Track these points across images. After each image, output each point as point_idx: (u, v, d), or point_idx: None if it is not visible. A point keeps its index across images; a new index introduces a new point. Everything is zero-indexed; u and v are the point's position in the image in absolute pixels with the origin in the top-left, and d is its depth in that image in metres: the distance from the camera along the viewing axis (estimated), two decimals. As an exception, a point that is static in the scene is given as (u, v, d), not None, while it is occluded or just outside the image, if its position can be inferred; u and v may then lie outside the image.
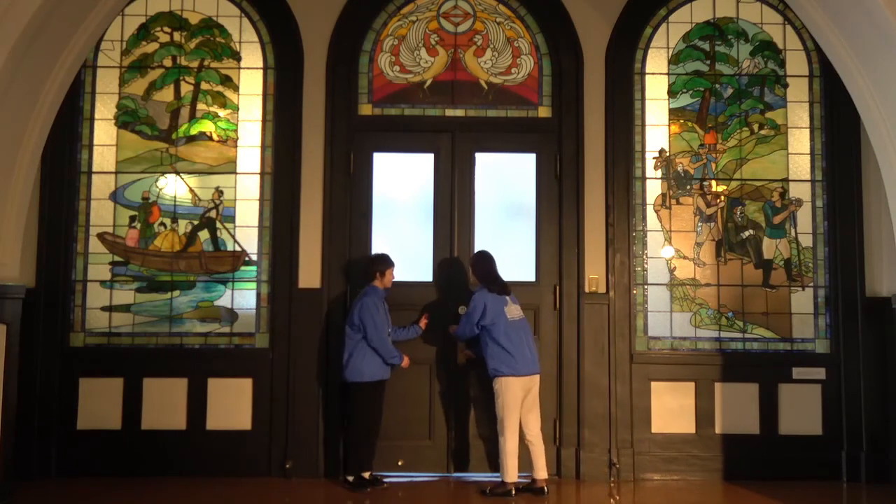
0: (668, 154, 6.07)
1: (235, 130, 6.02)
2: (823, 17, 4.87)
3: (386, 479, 5.45)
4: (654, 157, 6.06)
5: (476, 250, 5.72)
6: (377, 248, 5.85)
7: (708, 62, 6.14)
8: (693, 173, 6.06)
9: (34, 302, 5.52)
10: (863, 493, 5.52)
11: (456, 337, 5.56)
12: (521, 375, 5.17)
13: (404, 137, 6.02)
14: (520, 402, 5.18)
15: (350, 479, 5.33)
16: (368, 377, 5.32)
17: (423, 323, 5.66)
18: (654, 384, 5.81)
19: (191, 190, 5.98)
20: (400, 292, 5.65)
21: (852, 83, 4.89)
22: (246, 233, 5.95)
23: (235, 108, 6.03)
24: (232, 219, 5.97)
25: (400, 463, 5.69)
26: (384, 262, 5.50)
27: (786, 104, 6.10)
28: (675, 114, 6.10)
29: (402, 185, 6.04)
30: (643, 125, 6.06)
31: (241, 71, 6.06)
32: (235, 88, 6.04)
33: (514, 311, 5.29)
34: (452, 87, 6.10)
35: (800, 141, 6.07)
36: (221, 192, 5.98)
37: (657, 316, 5.93)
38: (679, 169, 6.06)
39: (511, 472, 5.14)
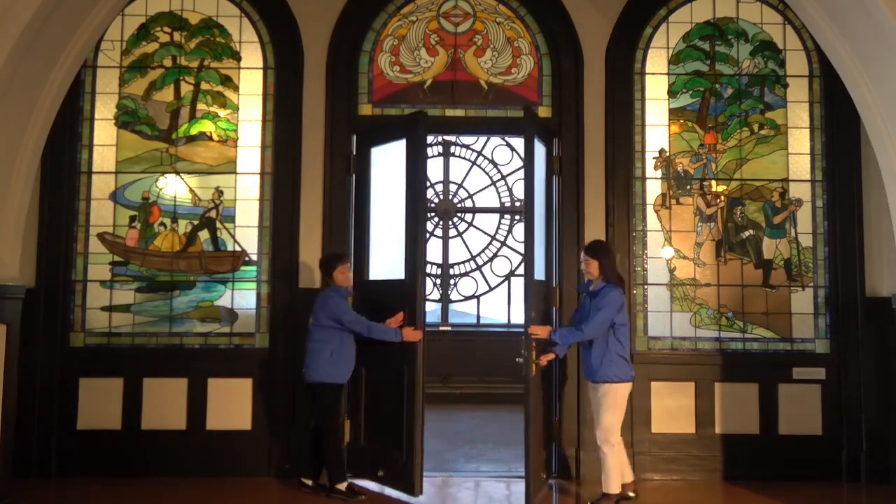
0: (668, 154, 6.07)
1: (235, 130, 6.02)
2: (823, 17, 4.88)
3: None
4: (654, 157, 6.06)
5: (592, 240, 5.38)
6: (377, 246, 5.82)
7: (708, 62, 6.14)
8: (693, 173, 6.06)
9: (34, 302, 5.51)
10: (863, 493, 5.52)
11: (556, 339, 5.00)
12: (632, 381, 5.00)
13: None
14: None
15: (342, 487, 5.14)
16: (331, 378, 5.18)
17: (395, 322, 5.27)
18: (654, 384, 5.81)
19: (191, 190, 5.98)
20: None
21: (852, 83, 4.90)
22: (246, 233, 5.96)
23: (235, 108, 6.03)
24: (232, 219, 5.97)
25: (380, 474, 5.41)
26: (333, 260, 5.35)
27: (786, 104, 6.10)
28: (675, 114, 6.10)
29: (401, 184, 6.00)
30: (643, 125, 6.06)
31: (241, 71, 6.06)
32: (235, 88, 6.04)
33: None
34: (452, 87, 6.10)
35: (800, 141, 6.07)
36: (221, 192, 5.98)
37: (657, 316, 5.93)
38: (679, 169, 6.06)
39: (617, 483, 4.90)
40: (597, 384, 4.93)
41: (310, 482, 5.33)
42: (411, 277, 5.32)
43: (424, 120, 5.40)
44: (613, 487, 4.88)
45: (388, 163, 5.85)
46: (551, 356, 5.16)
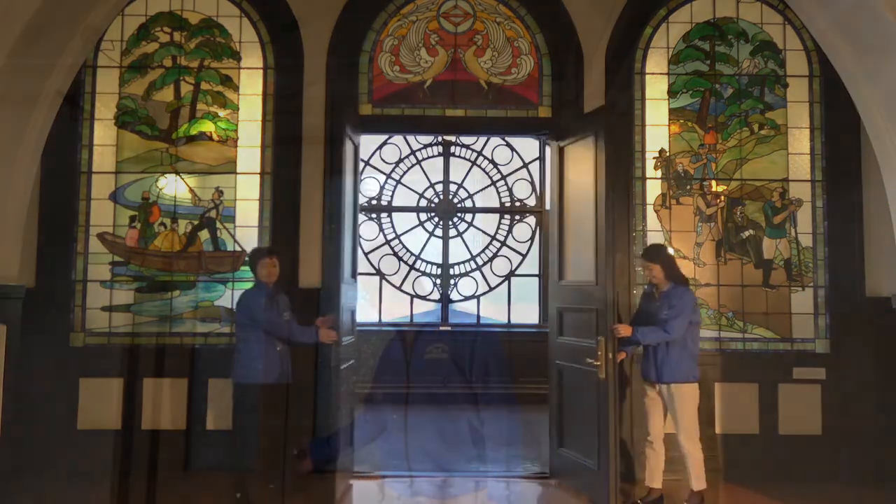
0: (668, 154, 6.07)
1: (235, 130, 6.02)
2: (823, 17, 4.88)
3: None
4: (654, 157, 6.06)
5: (650, 244, 5.50)
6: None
7: (708, 62, 6.14)
8: (693, 173, 6.06)
9: (34, 302, 5.50)
10: (863, 493, 5.52)
11: (639, 338, 4.96)
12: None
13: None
14: None
15: (239, 495, 4.87)
16: (240, 378, 4.91)
17: (323, 322, 5.12)
18: (654, 384, 5.80)
19: (191, 190, 5.98)
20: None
21: (853, 83, 4.90)
22: (246, 233, 5.96)
23: (235, 108, 6.03)
24: (232, 219, 5.97)
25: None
26: (254, 255, 5.21)
27: (786, 104, 6.10)
28: (675, 114, 6.10)
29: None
30: (643, 125, 6.06)
31: (241, 71, 6.06)
32: (235, 88, 6.04)
33: None
34: (452, 87, 6.10)
35: (800, 141, 6.07)
36: (221, 192, 5.98)
37: (657, 316, 5.92)
38: (679, 169, 6.06)
39: (703, 478, 4.91)
40: (678, 384, 4.89)
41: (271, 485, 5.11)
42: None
43: (355, 117, 5.27)
44: (701, 483, 4.89)
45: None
46: (623, 355, 5.09)
